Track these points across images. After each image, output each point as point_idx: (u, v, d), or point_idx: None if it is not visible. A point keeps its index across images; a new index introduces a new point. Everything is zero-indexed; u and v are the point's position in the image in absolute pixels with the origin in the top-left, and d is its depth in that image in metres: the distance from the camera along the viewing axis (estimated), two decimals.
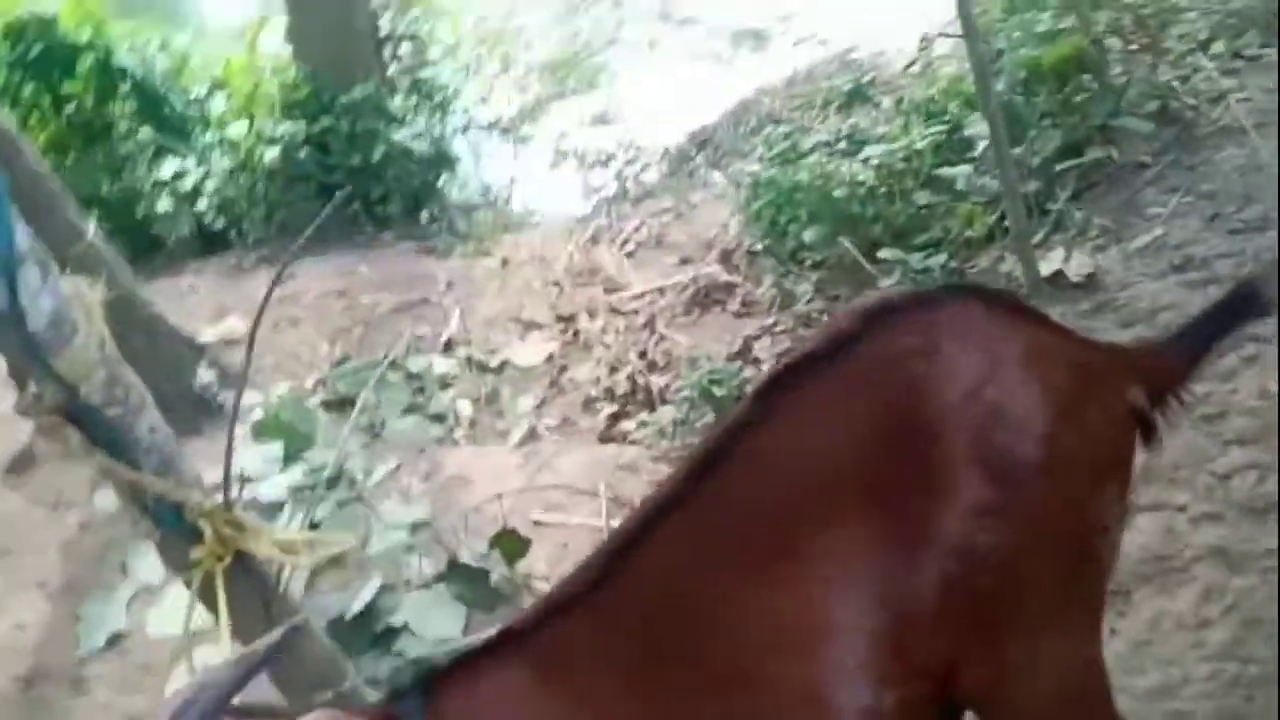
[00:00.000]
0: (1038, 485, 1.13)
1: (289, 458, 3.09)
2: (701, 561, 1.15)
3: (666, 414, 3.15)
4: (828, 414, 1.15)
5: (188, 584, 1.73)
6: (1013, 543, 1.12)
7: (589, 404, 3.52)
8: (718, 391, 3.09)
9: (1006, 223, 3.08)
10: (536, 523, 2.87)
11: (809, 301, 3.56)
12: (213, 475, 1.72)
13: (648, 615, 1.16)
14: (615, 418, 3.40)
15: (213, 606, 1.68)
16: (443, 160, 5.54)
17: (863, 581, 1.11)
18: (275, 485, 3.03)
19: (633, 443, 3.24)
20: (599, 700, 1.14)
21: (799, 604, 1.11)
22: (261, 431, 3.25)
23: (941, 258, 3.20)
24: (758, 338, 3.51)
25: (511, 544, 2.70)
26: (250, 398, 3.72)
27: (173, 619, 2.74)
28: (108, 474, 1.58)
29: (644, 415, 3.34)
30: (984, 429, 1.11)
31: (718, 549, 1.15)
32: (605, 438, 3.31)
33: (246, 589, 1.76)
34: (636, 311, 3.98)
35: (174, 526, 1.62)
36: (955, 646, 1.15)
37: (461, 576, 2.66)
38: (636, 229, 4.58)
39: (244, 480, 2.44)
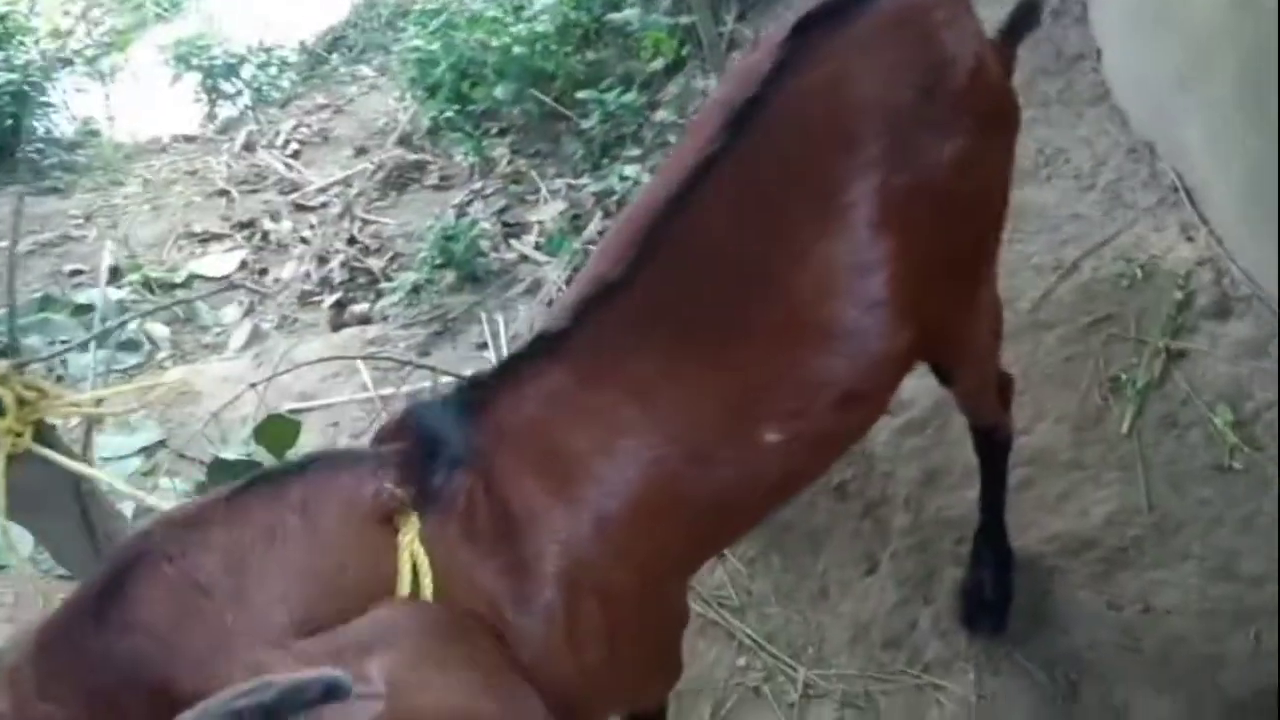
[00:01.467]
0: (1006, 137, 1.28)
1: None
2: (741, 218, 1.16)
3: (407, 279, 3.01)
4: (858, 58, 1.19)
5: None
6: (985, 187, 1.28)
7: (306, 299, 3.27)
8: (455, 247, 3.00)
9: (686, 50, 3.27)
10: (294, 411, 2.64)
11: (509, 163, 3.55)
12: None
13: (687, 288, 1.15)
14: (341, 305, 3.19)
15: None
16: (24, 97, 4.78)
17: (894, 220, 1.17)
18: None
19: (369, 321, 3.07)
20: (646, 390, 1.11)
21: (838, 248, 1.16)
22: None
23: (633, 94, 3.33)
24: (469, 202, 3.45)
25: (279, 430, 2.45)
26: None
27: None
28: None
29: (373, 297, 3.17)
30: (978, 82, 1.24)
31: (758, 202, 1.16)
32: (338, 325, 3.10)
33: (48, 472, 1.46)
34: (325, 205, 3.73)
35: None
36: (948, 296, 1.31)
37: (228, 473, 2.39)
38: (295, 129, 4.26)
39: None
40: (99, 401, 1.48)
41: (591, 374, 1.11)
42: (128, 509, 2.19)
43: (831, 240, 1.16)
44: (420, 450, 1.04)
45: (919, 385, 2.07)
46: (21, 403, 1.31)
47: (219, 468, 2.39)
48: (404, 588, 0.99)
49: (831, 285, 1.16)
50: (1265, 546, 1.82)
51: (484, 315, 2.92)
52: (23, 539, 1.71)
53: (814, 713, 1.84)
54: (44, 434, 1.47)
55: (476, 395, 1.10)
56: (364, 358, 2.76)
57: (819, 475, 1.35)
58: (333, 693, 0.67)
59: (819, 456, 1.30)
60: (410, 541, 1.00)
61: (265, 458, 2.37)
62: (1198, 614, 1.78)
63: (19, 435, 1.32)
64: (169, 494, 2.42)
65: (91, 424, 1.56)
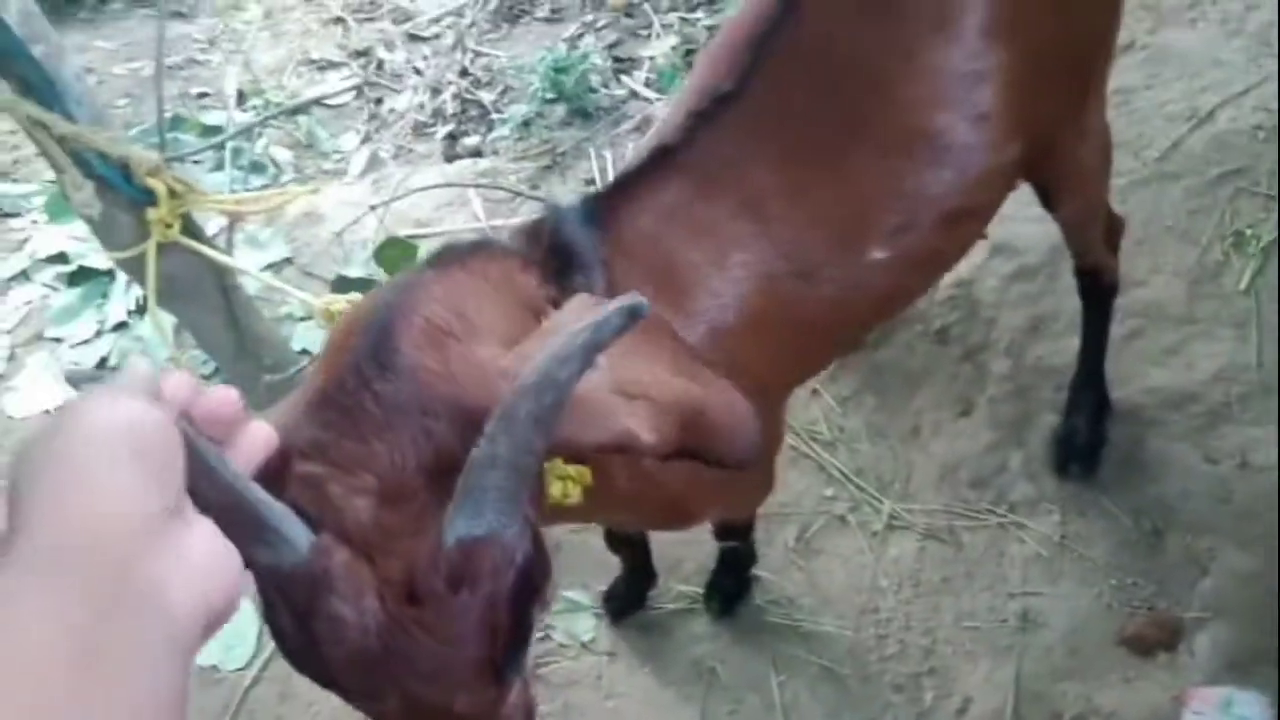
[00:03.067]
0: None
1: None
2: (853, 24, 1.16)
3: (518, 111, 3.04)
4: None
5: (126, 269, 1.54)
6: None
7: (420, 129, 3.33)
8: (566, 81, 3.00)
9: None
10: (410, 237, 2.74)
11: None
12: None
13: (799, 98, 1.15)
14: (453, 137, 3.24)
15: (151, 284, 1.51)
16: None
17: (1005, 26, 1.17)
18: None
19: (480, 154, 3.12)
20: (758, 203, 1.13)
21: (949, 56, 1.15)
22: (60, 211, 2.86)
23: None
24: (581, 35, 3.41)
25: (398, 251, 2.57)
26: (18, 188, 3.26)
27: (33, 399, 2.47)
28: (40, 126, 1.33)
29: (484, 130, 3.21)
30: None
31: (870, 6, 1.16)
32: (450, 156, 3.16)
33: (196, 264, 1.59)
34: (438, 36, 3.73)
35: (123, 188, 1.41)
36: (1057, 110, 1.31)
37: (350, 290, 2.52)
38: None
39: None
40: (239, 202, 1.58)
41: (706, 187, 1.13)
42: (265, 309, 2.36)
43: (942, 48, 1.15)
44: (556, 256, 1.07)
45: (1033, 231, 2.04)
46: (172, 195, 1.42)
47: (342, 285, 2.54)
48: None
49: (941, 95, 1.15)
50: None
51: (593, 151, 2.94)
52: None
53: (896, 542, 1.92)
54: (193, 230, 1.58)
55: (600, 206, 1.12)
56: (477, 186, 2.82)
57: (919, 296, 1.38)
58: (637, 313, 0.71)
59: (921, 276, 1.32)
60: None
61: (384, 278, 2.50)
62: None
63: (169, 226, 1.43)
64: (296, 308, 2.58)
65: (233, 225, 1.66)
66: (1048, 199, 1.56)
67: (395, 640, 0.71)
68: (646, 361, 0.87)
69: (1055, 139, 1.36)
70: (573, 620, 1.97)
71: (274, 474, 0.69)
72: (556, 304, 1.02)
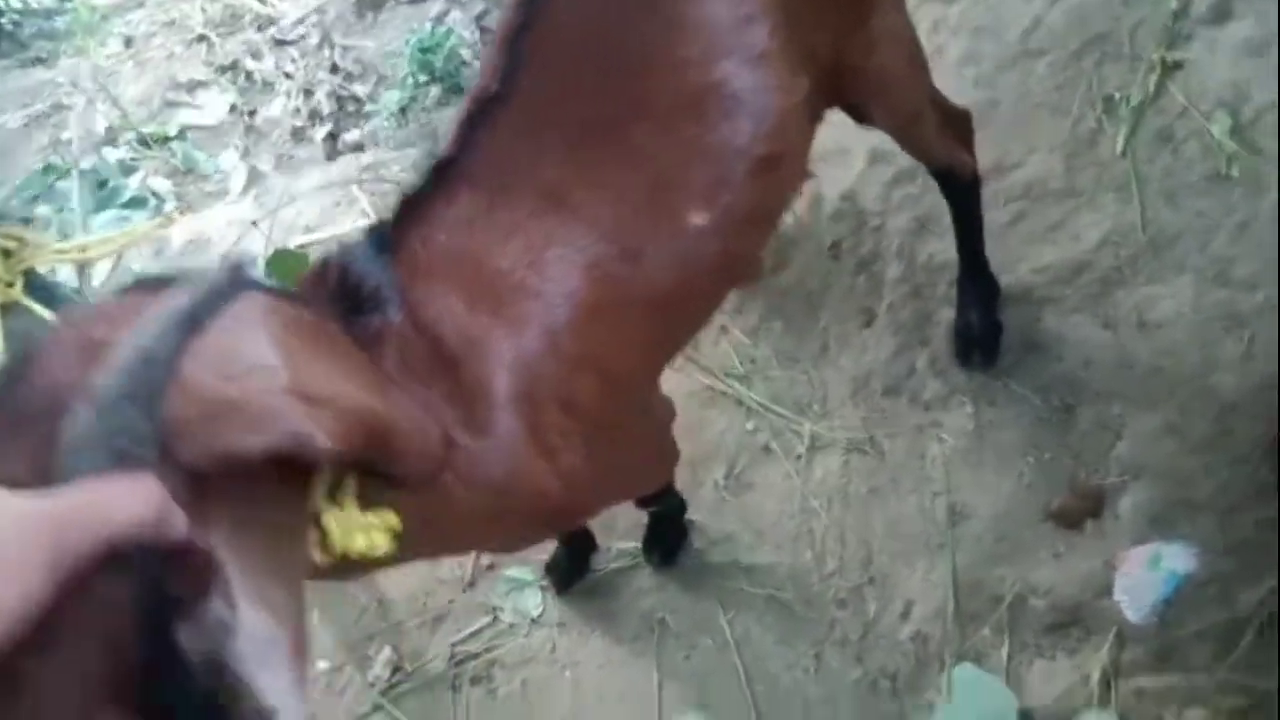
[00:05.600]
0: None
1: None
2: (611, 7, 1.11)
3: (392, 100, 2.97)
4: None
5: None
6: None
7: (298, 135, 3.25)
8: (435, 59, 2.94)
9: None
10: (300, 246, 2.69)
11: None
12: None
13: (570, 82, 1.10)
14: (333, 136, 3.17)
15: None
16: None
17: None
18: None
19: (362, 148, 3.06)
20: (559, 194, 1.09)
21: (713, 5, 1.11)
22: None
23: None
24: (446, 12, 3.33)
25: (288, 262, 2.51)
26: None
27: None
28: None
29: (363, 123, 3.15)
30: None
31: None
32: (332, 155, 3.10)
33: (41, 324, 1.54)
34: (304, 36, 3.64)
35: None
36: (837, 27, 1.26)
37: None
38: None
39: None
40: (84, 248, 1.52)
41: (497, 191, 1.08)
42: None
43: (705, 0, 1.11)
44: (346, 297, 1.02)
45: None
46: (6, 254, 1.37)
47: None
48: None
49: (715, 45, 1.11)
50: (1261, 251, 1.80)
51: None
52: None
53: (820, 462, 1.93)
54: (43, 286, 1.53)
55: (390, 234, 1.07)
56: (359, 184, 2.77)
57: (759, 251, 1.32)
58: (239, 274, 0.69)
59: (750, 233, 1.26)
60: None
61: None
62: (1191, 325, 1.79)
63: (10, 285, 1.37)
64: None
65: (83, 271, 1.61)
66: (857, 115, 1.50)
67: None
68: (329, 371, 0.82)
69: (843, 56, 1.32)
70: (519, 598, 1.97)
71: None
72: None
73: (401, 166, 2.86)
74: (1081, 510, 1.74)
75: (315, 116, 3.26)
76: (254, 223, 2.53)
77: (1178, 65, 2.04)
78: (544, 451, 1.11)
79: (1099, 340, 1.83)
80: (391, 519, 0.88)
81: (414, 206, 1.09)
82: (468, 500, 1.09)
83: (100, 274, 2.55)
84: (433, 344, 1.03)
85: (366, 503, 0.87)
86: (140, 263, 2.78)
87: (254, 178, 3.11)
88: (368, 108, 3.16)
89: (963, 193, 1.74)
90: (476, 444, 1.05)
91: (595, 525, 1.94)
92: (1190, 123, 1.98)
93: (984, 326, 1.83)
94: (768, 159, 1.14)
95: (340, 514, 0.83)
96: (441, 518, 1.04)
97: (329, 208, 2.80)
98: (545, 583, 1.96)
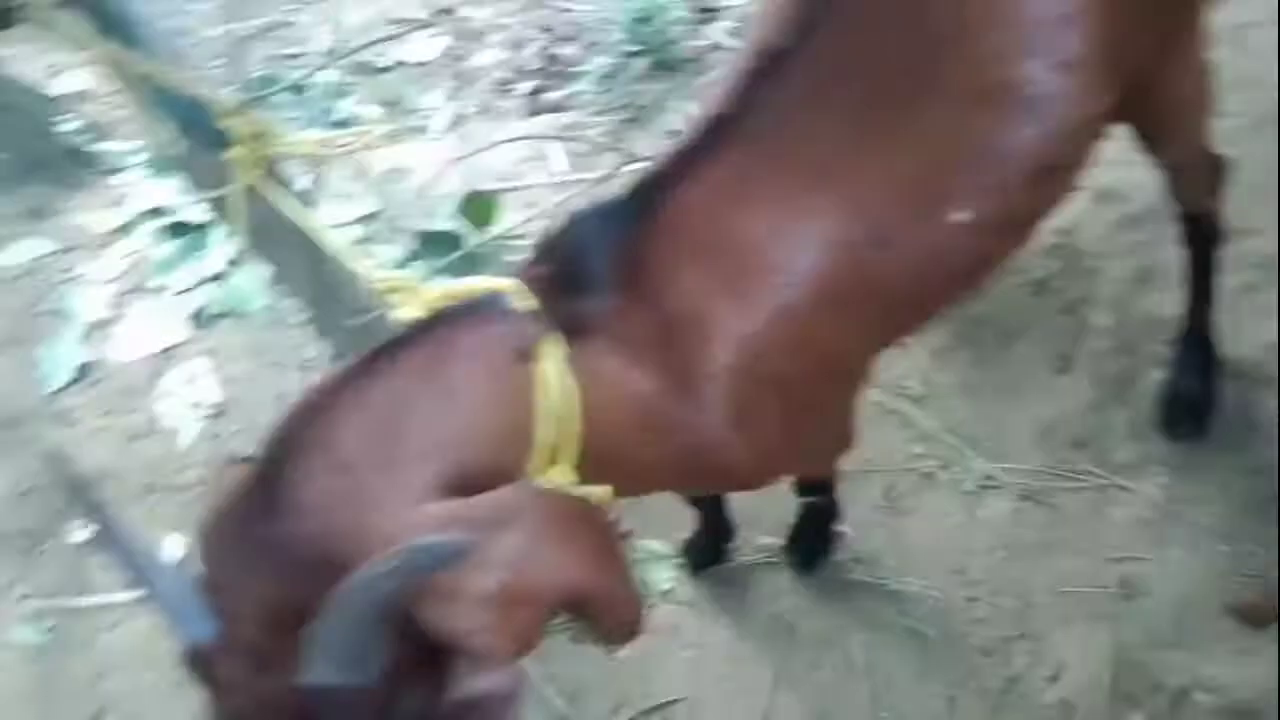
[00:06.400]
0: None
1: None
2: None
3: (600, 65, 3.00)
4: None
5: (216, 208, 1.55)
6: None
7: (503, 86, 3.31)
8: (647, 31, 2.95)
9: None
10: (493, 191, 2.73)
11: None
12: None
13: (865, 51, 1.06)
14: (536, 93, 3.22)
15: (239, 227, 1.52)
16: None
17: None
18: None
19: (562, 109, 3.10)
20: (825, 169, 1.05)
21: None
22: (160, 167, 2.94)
23: None
24: None
25: (481, 206, 2.57)
26: (119, 145, 3.35)
27: (137, 344, 2.54)
28: (122, 66, 1.34)
29: (567, 84, 3.18)
30: None
31: None
32: (533, 112, 3.14)
33: (275, 211, 1.59)
34: None
35: (203, 128, 1.42)
36: (1154, 49, 1.22)
37: (434, 247, 2.54)
38: None
39: None
40: (320, 144, 1.57)
41: (767, 156, 1.05)
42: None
43: None
44: (564, 272, 1.04)
45: (1140, 176, 1.92)
46: (254, 138, 1.41)
47: (426, 239, 2.56)
48: (544, 419, 0.99)
49: (1025, 41, 1.05)
50: None
51: (675, 104, 2.88)
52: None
53: (988, 503, 1.84)
54: (279, 180, 1.59)
55: (643, 196, 1.06)
56: (559, 139, 2.80)
57: (1007, 260, 1.27)
58: (443, 558, 0.81)
59: (1007, 239, 1.20)
60: (546, 372, 0.99)
61: (470, 230, 2.50)
62: None
63: (257, 168, 1.42)
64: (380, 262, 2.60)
65: (318, 174, 1.66)
66: (1147, 143, 1.46)
67: None
68: (561, 556, 0.96)
69: (1154, 79, 1.25)
70: (650, 569, 1.95)
71: None
72: (570, 327, 1.03)
73: (598, 131, 2.88)
74: (1271, 612, 1.61)
75: (522, 71, 3.31)
76: (454, 160, 2.59)
77: None
78: (743, 426, 1.09)
79: None
80: (604, 493, 1.05)
81: (679, 163, 1.07)
82: (658, 456, 1.09)
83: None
84: (659, 315, 1.04)
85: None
86: (340, 181, 2.88)
87: (456, 120, 3.18)
88: (574, 70, 3.19)
89: (1205, 245, 1.63)
90: (679, 410, 1.05)
91: (741, 515, 1.90)
92: None
93: (1198, 395, 1.71)
94: (1047, 168, 1.09)
95: None
96: (628, 464, 1.07)
97: (520, 161, 2.85)
98: (681, 560, 1.94)
